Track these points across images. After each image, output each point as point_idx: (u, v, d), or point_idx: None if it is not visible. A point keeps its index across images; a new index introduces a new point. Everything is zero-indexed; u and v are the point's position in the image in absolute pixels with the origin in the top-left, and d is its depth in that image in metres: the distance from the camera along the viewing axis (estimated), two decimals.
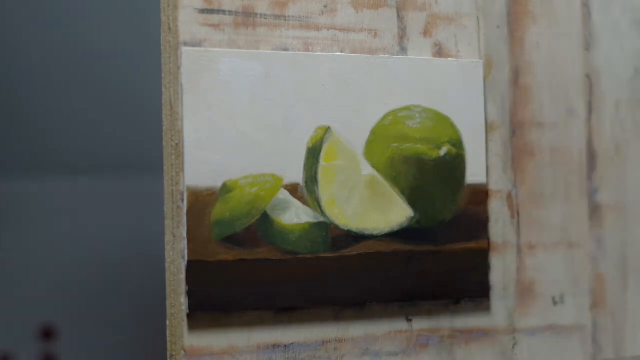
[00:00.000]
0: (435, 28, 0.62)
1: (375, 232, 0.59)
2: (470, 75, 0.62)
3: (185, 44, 0.56)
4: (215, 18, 0.56)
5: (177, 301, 0.55)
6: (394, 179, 0.59)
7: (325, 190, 0.58)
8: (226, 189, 0.56)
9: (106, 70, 1.59)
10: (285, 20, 0.58)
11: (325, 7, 0.59)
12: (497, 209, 0.63)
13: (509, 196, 0.64)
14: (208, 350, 0.55)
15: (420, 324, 0.61)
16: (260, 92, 0.57)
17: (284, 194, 0.57)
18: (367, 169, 0.59)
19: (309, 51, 0.59)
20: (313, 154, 0.58)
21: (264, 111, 0.57)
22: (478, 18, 0.64)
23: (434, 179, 0.60)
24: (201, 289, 0.55)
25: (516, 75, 0.65)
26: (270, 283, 0.56)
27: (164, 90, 0.56)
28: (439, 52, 0.62)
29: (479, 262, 0.62)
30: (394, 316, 0.60)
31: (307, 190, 0.57)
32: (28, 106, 1.59)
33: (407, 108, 0.60)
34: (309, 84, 0.58)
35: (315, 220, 0.57)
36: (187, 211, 0.55)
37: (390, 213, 0.59)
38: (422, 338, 0.61)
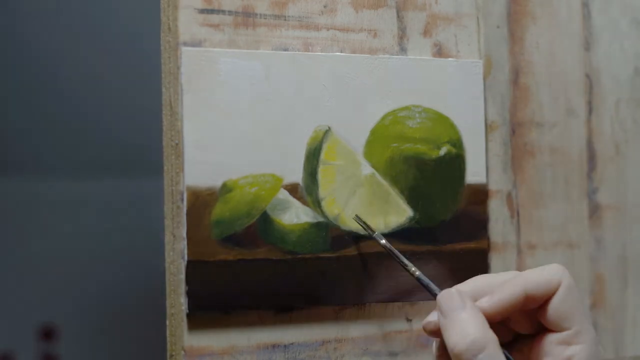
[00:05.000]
0: (435, 28, 0.62)
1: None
2: (470, 75, 0.62)
3: (185, 44, 0.56)
4: (215, 18, 0.56)
5: (177, 301, 0.55)
6: (394, 179, 0.59)
7: (325, 190, 0.58)
8: (226, 188, 0.56)
9: (105, 71, 1.59)
10: (285, 20, 0.58)
11: (325, 7, 0.59)
12: (497, 209, 0.63)
13: (509, 196, 0.64)
14: (208, 350, 0.55)
15: (420, 324, 0.61)
16: (260, 92, 0.57)
17: (283, 194, 0.57)
18: (366, 169, 0.59)
19: (308, 51, 0.59)
20: (313, 154, 0.58)
21: (264, 111, 0.57)
22: (478, 18, 0.64)
23: (434, 179, 0.60)
24: (201, 289, 0.55)
25: (516, 75, 0.65)
26: (270, 283, 0.56)
27: (163, 90, 0.56)
28: (439, 52, 0.62)
29: (479, 262, 0.62)
30: (394, 316, 0.60)
31: (306, 191, 0.57)
32: (27, 107, 1.59)
33: (407, 108, 0.60)
34: (309, 84, 0.58)
35: (315, 220, 0.57)
36: (187, 211, 0.55)
37: (390, 213, 0.59)
38: (422, 338, 0.61)
